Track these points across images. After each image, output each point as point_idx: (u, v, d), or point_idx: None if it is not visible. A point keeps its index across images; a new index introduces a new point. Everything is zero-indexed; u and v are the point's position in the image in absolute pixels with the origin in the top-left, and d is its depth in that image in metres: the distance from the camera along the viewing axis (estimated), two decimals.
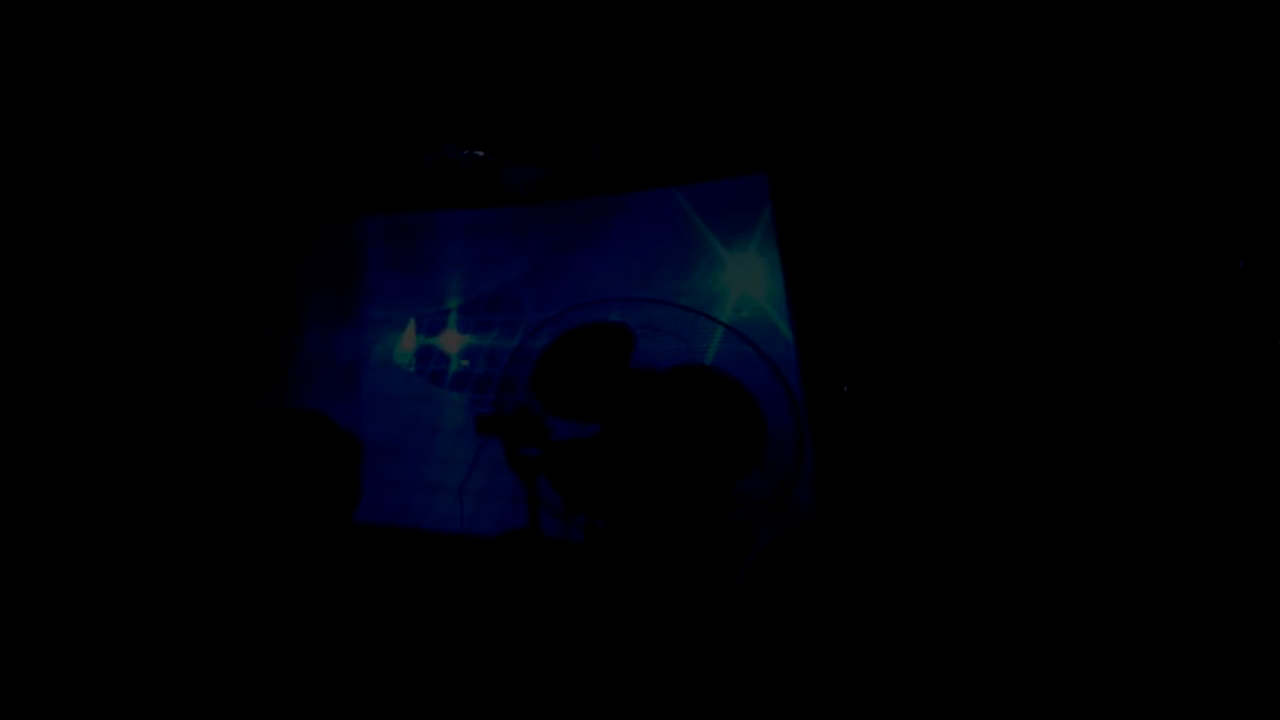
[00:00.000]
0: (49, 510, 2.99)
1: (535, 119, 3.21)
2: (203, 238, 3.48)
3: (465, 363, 3.96)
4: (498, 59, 3.10)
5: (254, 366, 3.67)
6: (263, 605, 1.59)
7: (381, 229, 4.04)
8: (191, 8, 3.04)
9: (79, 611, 2.45)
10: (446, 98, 3.24)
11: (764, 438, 2.69)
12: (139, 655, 1.61)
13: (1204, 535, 2.33)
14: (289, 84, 3.26)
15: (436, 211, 3.82)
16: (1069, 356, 2.53)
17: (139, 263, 3.35)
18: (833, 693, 2.09)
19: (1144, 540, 2.39)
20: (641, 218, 3.58)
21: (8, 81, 3.03)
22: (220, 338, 3.51)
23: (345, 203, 3.64)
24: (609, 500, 2.72)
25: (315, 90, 3.28)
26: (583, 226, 3.67)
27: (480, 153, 3.29)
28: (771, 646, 2.20)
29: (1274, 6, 2.33)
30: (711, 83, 2.95)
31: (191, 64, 3.14)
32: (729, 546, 2.63)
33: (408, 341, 4.07)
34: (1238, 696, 2.08)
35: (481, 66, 3.14)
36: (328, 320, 4.03)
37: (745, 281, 3.33)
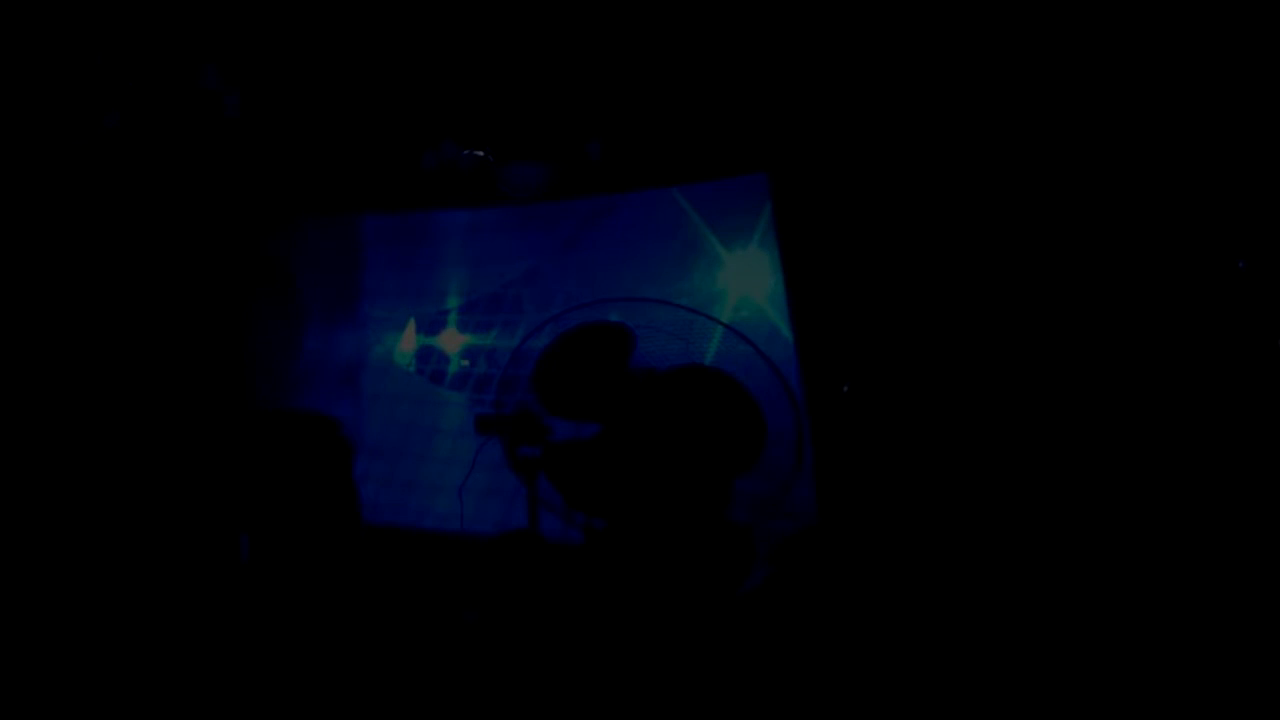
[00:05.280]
0: (47, 508, 2.99)
1: (535, 118, 3.21)
2: (203, 236, 3.48)
3: (465, 363, 3.96)
4: (498, 58, 3.10)
5: (253, 366, 3.67)
6: (257, 605, 1.59)
7: (382, 228, 4.05)
8: (192, 7, 3.04)
9: (76, 608, 2.45)
10: (446, 97, 3.24)
11: (763, 438, 2.69)
12: (133, 653, 1.61)
13: (1204, 535, 2.33)
14: (288, 83, 3.26)
15: (436, 211, 3.82)
16: (1069, 356, 2.52)
17: (138, 262, 3.35)
18: (834, 693, 2.09)
19: (1144, 538, 2.38)
20: (641, 218, 3.58)
21: (4, 80, 3.03)
22: (219, 337, 3.51)
23: (345, 202, 3.64)
24: (609, 500, 2.72)
25: (315, 89, 3.28)
26: (583, 226, 3.67)
27: (480, 152, 3.29)
28: (773, 647, 2.20)
29: (1274, 6, 2.33)
30: (711, 83, 2.95)
31: (191, 62, 3.14)
32: (729, 547, 2.62)
33: (408, 341, 4.07)
34: (1238, 696, 2.08)
35: (481, 66, 3.14)
36: (328, 320, 4.03)
37: (745, 281, 3.33)
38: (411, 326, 4.06)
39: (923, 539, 2.58)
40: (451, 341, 3.97)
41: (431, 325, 4.03)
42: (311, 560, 1.64)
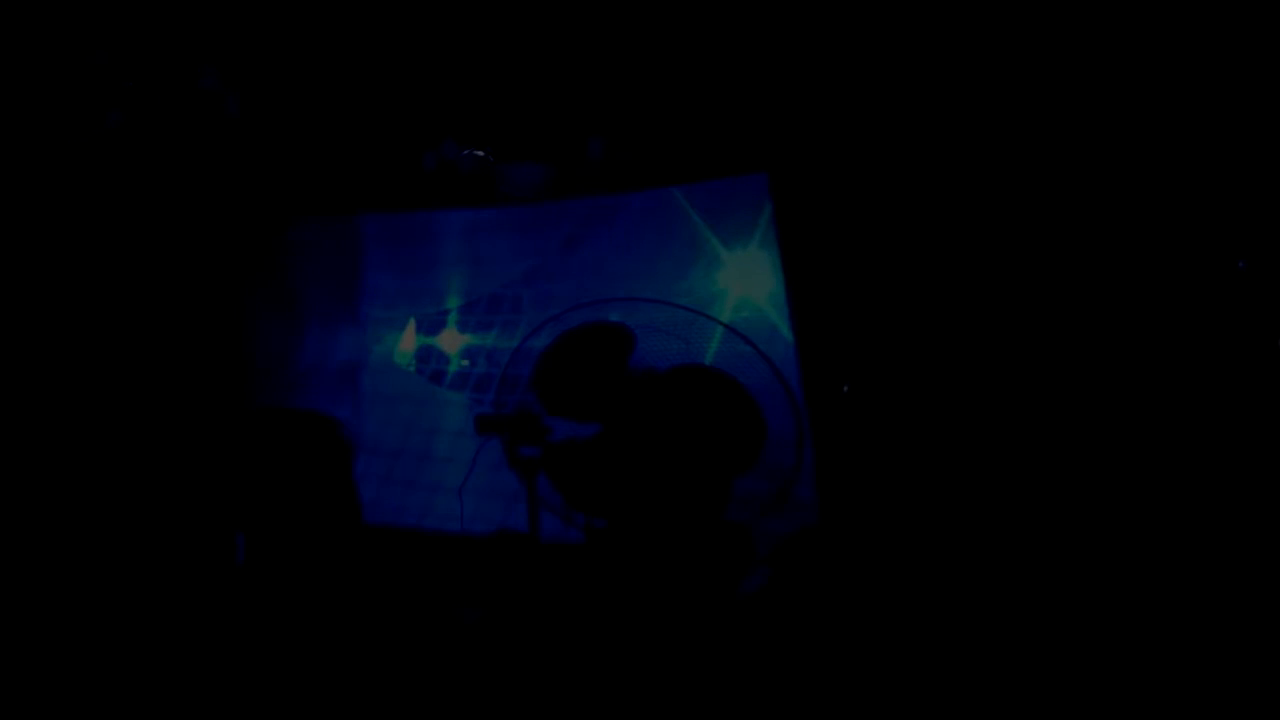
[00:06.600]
0: (42, 507, 2.99)
1: (536, 118, 3.21)
2: (202, 237, 3.48)
3: (465, 363, 3.95)
4: (498, 57, 3.10)
5: (253, 366, 3.67)
6: (255, 605, 1.59)
7: (381, 229, 4.04)
8: (192, 7, 3.04)
9: (69, 608, 2.45)
10: (446, 97, 3.24)
11: (763, 438, 2.69)
12: (128, 654, 1.61)
13: (1204, 535, 2.33)
14: (288, 83, 3.26)
15: (436, 211, 3.82)
16: (1069, 356, 2.52)
17: (138, 261, 3.35)
18: (834, 693, 2.09)
19: (1144, 538, 2.38)
20: (641, 218, 3.58)
21: (5, 80, 3.03)
22: (219, 338, 3.51)
23: (345, 202, 3.64)
24: (609, 500, 2.72)
25: (315, 89, 3.28)
26: (583, 226, 3.67)
27: (480, 152, 3.29)
28: (772, 647, 2.20)
29: (1274, 6, 2.33)
30: (711, 82, 2.95)
31: (191, 62, 3.14)
32: (728, 547, 2.63)
33: (408, 341, 4.06)
34: (1238, 696, 2.08)
35: (482, 65, 3.14)
36: (328, 320, 4.03)
37: (745, 281, 3.33)
38: (411, 326, 4.05)
39: (923, 539, 2.58)
40: (451, 341, 3.97)
41: (431, 325, 4.02)
42: (310, 560, 1.64)
